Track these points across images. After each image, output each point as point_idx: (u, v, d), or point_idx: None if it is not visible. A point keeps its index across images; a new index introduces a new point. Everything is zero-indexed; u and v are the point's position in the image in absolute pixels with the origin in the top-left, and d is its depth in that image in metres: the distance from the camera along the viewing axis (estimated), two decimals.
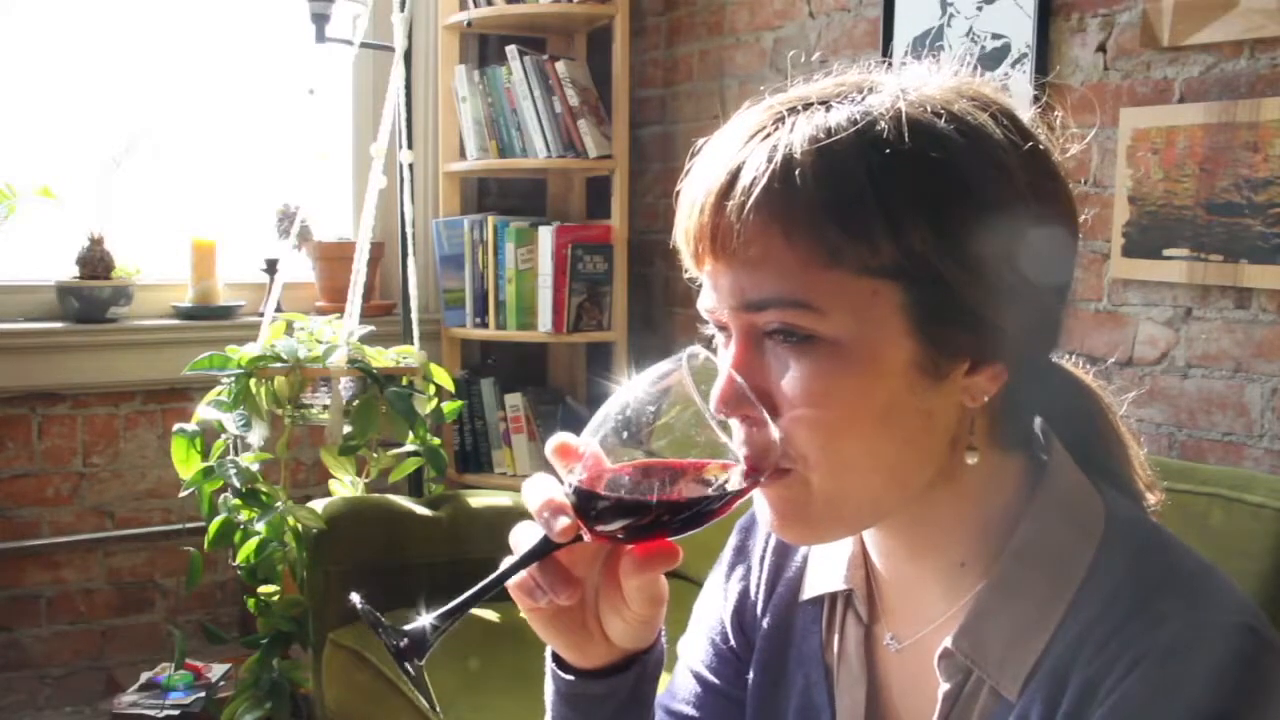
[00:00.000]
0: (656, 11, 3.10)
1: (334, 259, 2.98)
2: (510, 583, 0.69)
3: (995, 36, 2.19)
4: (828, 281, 0.65)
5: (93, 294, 2.74)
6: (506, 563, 0.69)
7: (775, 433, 0.66)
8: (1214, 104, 1.84)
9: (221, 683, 2.65)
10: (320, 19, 2.63)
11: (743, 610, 0.89)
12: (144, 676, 2.65)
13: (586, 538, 0.67)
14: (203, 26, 2.98)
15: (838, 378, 0.66)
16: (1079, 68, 2.06)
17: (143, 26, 2.91)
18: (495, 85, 2.97)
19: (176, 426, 2.26)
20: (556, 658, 0.77)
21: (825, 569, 0.83)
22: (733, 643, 0.89)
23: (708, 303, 0.71)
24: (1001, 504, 0.73)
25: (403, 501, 2.37)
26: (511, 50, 2.94)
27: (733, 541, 0.92)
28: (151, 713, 2.51)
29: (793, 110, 0.68)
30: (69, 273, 2.76)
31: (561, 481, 0.68)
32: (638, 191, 3.10)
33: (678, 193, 0.71)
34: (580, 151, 2.91)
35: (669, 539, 0.67)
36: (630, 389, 0.67)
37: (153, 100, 2.89)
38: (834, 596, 0.83)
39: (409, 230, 2.76)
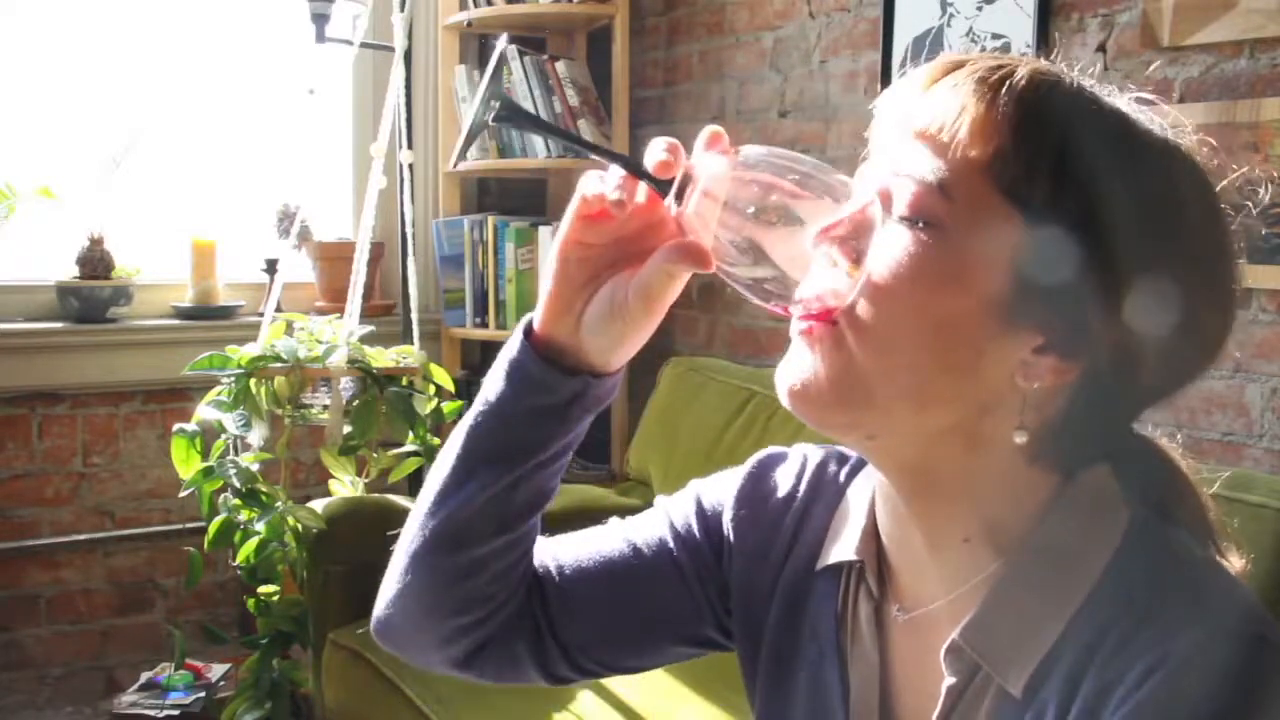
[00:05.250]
0: (656, 11, 3.10)
1: (334, 259, 2.98)
2: (585, 182, 0.69)
3: (995, 36, 2.19)
4: (974, 182, 0.67)
5: (93, 294, 2.74)
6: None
7: (850, 285, 0.67)
8: (1214, 104, 1.84)
9: (221, 683, 2.65)
10: (320, 19, 2.64)
11: (744, 538, 0.88)
12: (144, 676, 2.65)
13: (669, 202, 0.67)
14: (202, 26, 2.98)
15: (928, 261, 0.67)
16: (1070, 66, 2.06)
17: (142, 26, 2.91)
18: (495, 85, 2.97)
19: (176, 426, 2.26)
20: (527, 330, 0.76)
21: (843, 540, 0.82)
22: (714, 540, 0.89)
23: (867, 168, 0.72)
24: (1017, 504, 0.72)
25: (403, 501, 2.37)
26: (511, 50, 2.94)
27: (752, 467, 0.91)
28: (151, 713, 2.51)
29: (1035, 60, 0.71)
30: (69, 273, 2.76)
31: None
32: None
33: (901, 73, 0.74)
34: (580, 152, 2.91)
35: (712, 256, 0.67)
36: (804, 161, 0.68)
37: (152, 100, 2.89)
38: (848, 571, 0.82)
39: (409, 230, 2.76)
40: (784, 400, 0.73)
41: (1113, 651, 0.66)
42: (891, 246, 0.68)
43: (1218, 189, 0.71)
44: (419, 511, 0.81)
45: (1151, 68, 1.94)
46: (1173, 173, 0.69)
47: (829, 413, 0.72)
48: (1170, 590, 0.67)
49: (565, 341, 0.74)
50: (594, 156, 0.71)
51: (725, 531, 0.88)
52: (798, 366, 0.71)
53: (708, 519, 0.89)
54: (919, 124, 0.69)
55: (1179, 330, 0.68)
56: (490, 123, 0.69)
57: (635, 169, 0.68)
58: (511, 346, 0.76)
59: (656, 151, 0.67)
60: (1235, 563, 0.74)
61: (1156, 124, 0.70)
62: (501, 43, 0.73)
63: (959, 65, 0.70)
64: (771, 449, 0.92)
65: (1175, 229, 0.68)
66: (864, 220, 0.67)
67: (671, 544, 0.88)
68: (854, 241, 0.67)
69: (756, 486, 0.89)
